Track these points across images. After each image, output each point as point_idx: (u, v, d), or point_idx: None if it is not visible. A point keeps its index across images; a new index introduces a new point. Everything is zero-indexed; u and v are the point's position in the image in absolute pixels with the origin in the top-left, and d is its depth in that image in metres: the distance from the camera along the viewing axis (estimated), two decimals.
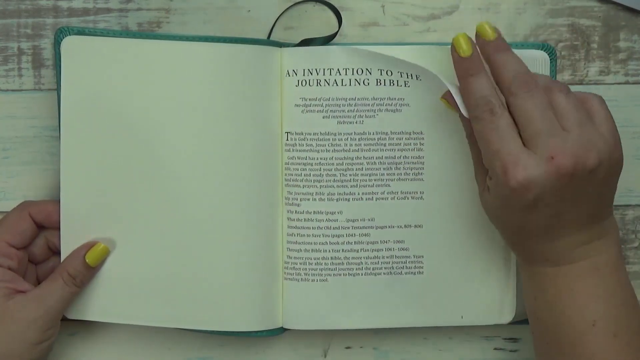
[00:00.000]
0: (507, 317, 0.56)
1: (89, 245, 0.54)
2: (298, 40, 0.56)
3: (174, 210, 0.54)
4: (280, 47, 0.56)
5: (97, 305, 0.55)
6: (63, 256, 0.54)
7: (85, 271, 0.53)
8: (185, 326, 0.55)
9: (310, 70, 0.55)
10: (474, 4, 0.58)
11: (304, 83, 0.55)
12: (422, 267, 0.56)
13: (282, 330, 0.56)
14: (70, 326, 0.58)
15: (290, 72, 0.55)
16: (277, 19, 0.58)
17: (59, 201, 0.54)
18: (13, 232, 0.53)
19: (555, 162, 0.45)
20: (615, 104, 0.58)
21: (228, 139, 0.54)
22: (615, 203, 0.58)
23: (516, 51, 0.55)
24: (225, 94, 0.54)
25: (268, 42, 0.56)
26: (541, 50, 0.57)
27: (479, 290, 0.56)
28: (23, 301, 0.51)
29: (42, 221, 0.54)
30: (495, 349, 0.59)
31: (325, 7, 0.58)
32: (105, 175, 0.54)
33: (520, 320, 0.57)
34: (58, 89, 0.54)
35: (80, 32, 0.54)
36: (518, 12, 0.58)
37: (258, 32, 0.58)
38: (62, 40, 0.53)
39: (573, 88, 0.58)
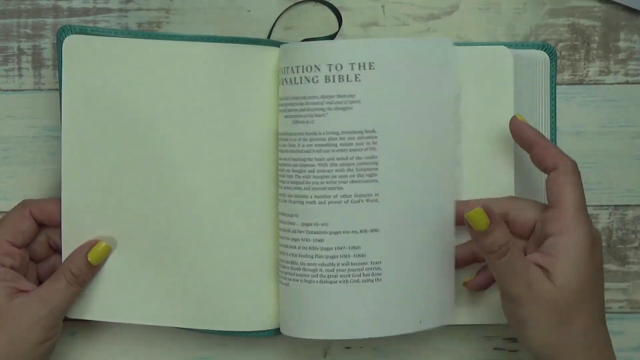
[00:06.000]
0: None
1: (91, 244, 0.53)
2: (298, 41, 0.56)
3: (174, 210, 0.54)
4: (280, 47, 0.56)
5: (98, 304, 0.54)
6: (64, 255, 0.54)
7: (87, 270, 0.53)
8: (186, 326, 0.55)
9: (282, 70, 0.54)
10: (474, 4, 0.58)
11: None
12: (380, 274, 0.52)
13: None
14: (70, 326, 0.57)
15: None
16: (277, 19, 0.58)
17: (59, 200, 0.54)
18: (14, 231, 0.53)
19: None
20: (615, 104, 0.58)
21: (227, 138, 0.54)
22: (615, 203, 0.59)
23: (516, 51, 0.55)
24: (224, 93, 0.54)
25: (268, 42, 0.55)
26: (541, 50, 0.57)
27: (435, 293, 0.54)
28: (27, 301, 0.51)
29: (43, 220, 0.54)
30: (495, 349, 0.59)
31: (325, 7, 0.58)
32: (106, 174, 0.54)
33: None
34: (60, 88, 0.54)
35: (82, 31, 0.54)
36: (518, 12, 0.58)
37: (258, 32, 0.58)
38: (64, 39, 0.53)
39: (573, 88, 0.58)
